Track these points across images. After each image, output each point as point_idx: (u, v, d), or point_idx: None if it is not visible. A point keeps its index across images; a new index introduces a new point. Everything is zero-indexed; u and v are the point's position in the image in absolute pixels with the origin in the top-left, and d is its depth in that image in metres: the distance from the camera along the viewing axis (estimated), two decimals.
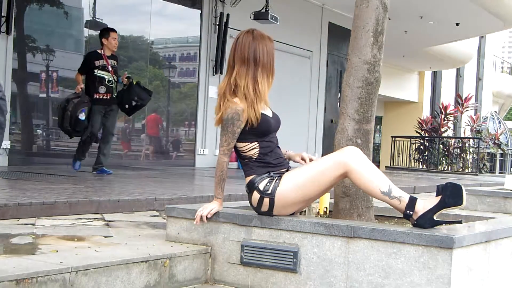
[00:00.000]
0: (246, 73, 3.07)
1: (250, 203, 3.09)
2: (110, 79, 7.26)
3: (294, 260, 2.91)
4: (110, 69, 7.27)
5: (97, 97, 7.20)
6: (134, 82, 7.35)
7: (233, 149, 3.13)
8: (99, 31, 7.63)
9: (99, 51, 7.34)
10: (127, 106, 7.38)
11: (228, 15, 10.61)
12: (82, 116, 6.97)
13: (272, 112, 3.20)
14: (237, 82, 3.06)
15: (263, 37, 3.13)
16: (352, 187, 3.31)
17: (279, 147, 3.18)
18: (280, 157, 3.15)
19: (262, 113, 3.08)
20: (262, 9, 10.45)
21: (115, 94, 7.33)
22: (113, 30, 7.48)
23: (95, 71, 7.20)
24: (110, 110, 7.33)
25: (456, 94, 20.44)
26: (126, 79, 7.35)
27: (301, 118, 12.88)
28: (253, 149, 3.08)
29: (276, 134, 3.24)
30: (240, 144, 3.10)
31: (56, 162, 8.47)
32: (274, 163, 3.09)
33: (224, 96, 3.08)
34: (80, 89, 7.08)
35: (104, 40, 7.36)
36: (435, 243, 2.60)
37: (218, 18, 10.61)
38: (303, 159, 3.21)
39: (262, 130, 3.08)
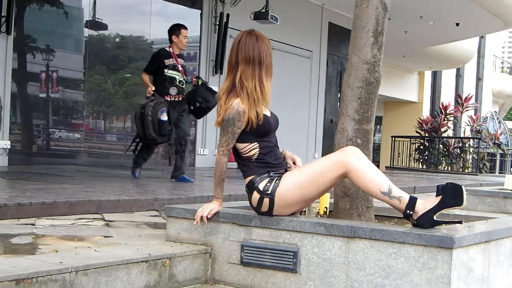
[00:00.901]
0: (252, 74, 3.07)
1: (250, 203, 3.09)
2: (181, 79, 6.74)
3: (294, 260, 2.91)
4: (180, 68, 6.75)
5: (168, 99, 6.65)
6: (200, 83, 6.78)
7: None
8: (169, 27, 6.97)
9: (167, 49, 6.80)
10: (192, 107, 6.73)
11: (228, 15, 10.61)
12: (164, 117, 6.45)
13: (271, 112, 3.20)
14: (244, 83, 3.05)
15: (264, 38, 3.15)
16: (352, 187, 3.31)
17: (278, 147, 3.19)
18: (279, 157, 3.15)
19: (263, 114, 3.08)
20: (262, 9, 10.45)
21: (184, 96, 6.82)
22: (184, 27, 6.90)
23: (165, 71, 6.67)
24: (183, 111, 6.80)
25: (456, 94, 20.45)
26: (195, 79, 6.78)
27: (301, 118, 12.87)
28: (253, 149, 3.08)
29: (275, 134, 3.24)
30: (240, 145, 3.09)
31: (56, 162, 8.47)
32: (273, 163, 3.09)
33: (225, 96, 3.09)
34: (152, 91, 6.56)
35: (174, 37, 6.81)
36: (435, 243, 2.60)
37: (218, 18, 10.61)
38: (294, 163, 3.20)
39: (263, 130, 3.08)
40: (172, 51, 6.78)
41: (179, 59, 6.80)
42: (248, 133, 3.07)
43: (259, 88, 3.06)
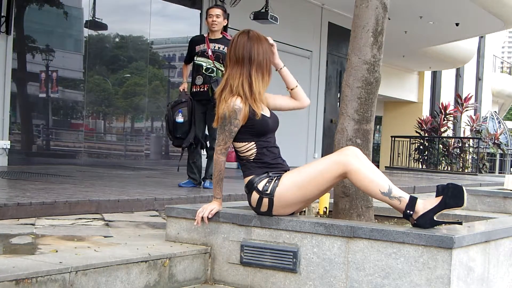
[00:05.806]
0: (240, 72, 3.06)
1: (250, 203, 3.09)
2: (209, 66, 5.84)
3: (294, 260, 2.91)
4: (209, 53, 5.87)
5: (194, 90, 5.90)
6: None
7: (232, 149, 3.14)
8: None
9: (205, 34, 6.08)
10: None
11: (228, 15, 10.58)
12: (179, 118, 5.79)
13: (270, 112, 3.20)
14: (229, 81, 3.07)
15: (258, 37, 3.13)
16: (352, 187, 3.31)
17: (277, 147, 3.18)
18: (278, 157, 3.14)
19: (261, 113, 3.08)
20: (262, 9, 10.44)
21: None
22: (211, 7, 6.17)
23: (195, 58, 5.94)
24: (214, 105, 5.97)
25: (456, 94, 20.44)
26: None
27: (301, 118, 12.87)
28: (250, 149, 3.08)
29: (275, 134, 3.23)
30: (237, 144, 3.10)
31: (56, 162, 8.47)
32: (272, 163, 3.09)
33: (221, 96, 3.10)
34: (181, 90, 5.97)
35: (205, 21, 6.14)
36: (435, 243, 2.60)
37: None
38: None
39: (260, 130, 3.08)
40: (207, 36, 6.03)
41: (212, 44, 5.91)
42: (245, 132, 3.07)
43: (247, 86, 3.05)
